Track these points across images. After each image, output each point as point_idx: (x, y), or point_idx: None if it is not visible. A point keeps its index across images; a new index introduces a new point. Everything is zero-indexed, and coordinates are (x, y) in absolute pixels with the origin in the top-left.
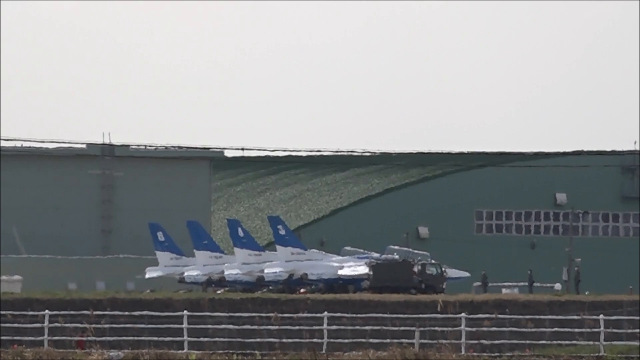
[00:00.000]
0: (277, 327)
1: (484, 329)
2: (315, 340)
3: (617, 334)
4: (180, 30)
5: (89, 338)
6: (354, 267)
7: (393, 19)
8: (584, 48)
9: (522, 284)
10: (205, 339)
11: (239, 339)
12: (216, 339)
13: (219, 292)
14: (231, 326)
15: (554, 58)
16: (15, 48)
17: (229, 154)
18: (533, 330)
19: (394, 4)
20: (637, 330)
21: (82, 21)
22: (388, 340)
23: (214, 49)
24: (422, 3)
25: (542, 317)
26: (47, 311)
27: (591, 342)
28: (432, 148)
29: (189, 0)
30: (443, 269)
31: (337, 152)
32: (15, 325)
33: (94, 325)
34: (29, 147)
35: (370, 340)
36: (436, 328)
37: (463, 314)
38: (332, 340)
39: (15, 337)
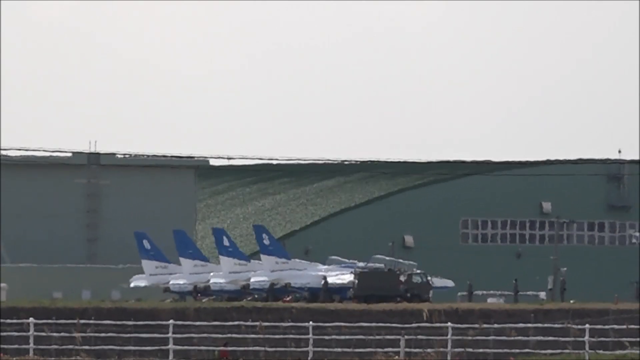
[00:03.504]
0: (262, 336)
1: (469, 338)
2: (300, 349)
3: (602, 342)
4: (165, 40)
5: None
6: (340, 276)
7: (378, 29)
8: (570, 59)
9: (507, 293)
10: (191, 348)
11: (224, 348)
12: (202, 347)
13: (204, 300)
14: (216, 335)
15: (540, 68)
16: (2, 56)
17: (214, 162)
18: (518, 339)
19: (380, 16)
20: (625, 339)
21: (68, 29)
22: (373, 350)
23: (199, 59)
24: (408, 14)
25: (527, 325)
26: (32, 320)
27: (576, 351)
28: (418, 157)
29: (173, 11)
30: (429, 278)
31: (322, 160)
32: (1, 333)
33: (79, 334)
34: (15, 156)
35: (356, 349)
36: (422, 337)
37: (449, 323)
38: (317, 349)
39: (1, 346)
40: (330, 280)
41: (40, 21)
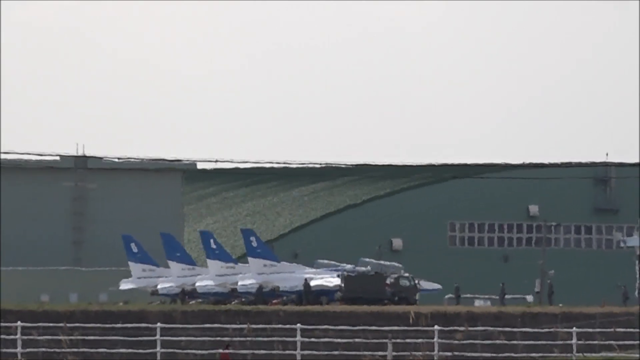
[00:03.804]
0: (250, 338)
1: (456, 341)
2: (288, 351)
3: (590, 346)
4: (152, 44)
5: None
6: (327, 279)
7: (366, 34)
8: (556, 62)
9: (494, 296)
10: (179, 351)
11: (211, 351)
12: (189, 351)
13: (192, 303)
14: (204, 338)
15: (528, 74)
16: None
17: (201, 165)
18: (505, 342)
19: (370, 21)
20: (613, 342)
21: (56, 31)
22: (361, 352)
23: (185, 63)
24: (397, 18)
25: (514, 329)
26: (19, 323)
27: (564, 354)
28: (405, 160)
29: (160, 15)
30: (416, 281)
31: (309, 164)
32: None
33: (67, 337)
34: (2, 159)
35: (343, 352)
36: (409, 340)
37: (436, 326)
38: (305, 351)
39: None
40: (318, 283)
41: (27, 23)
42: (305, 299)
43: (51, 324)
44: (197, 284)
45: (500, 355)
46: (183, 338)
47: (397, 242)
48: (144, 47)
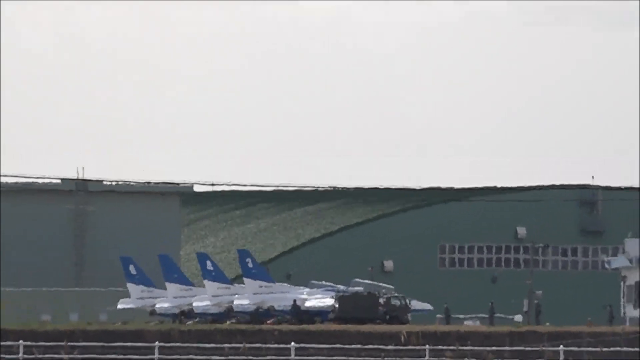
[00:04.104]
0: (245, 357)
1: (447, 359)
2: None
3: None
4: (149, 68)
5: None
6: (321, 299)
7: (355, 56)
8: (543, 84)
9: (484, 315)
10: None
11: None
12: None
13: (189, 323)
14: (201, 357)
15: (513, 97)
16: None
17: (198, 188)
18: None
19: (361, 40)
20: None
21: (54, 55)
22: None
23: (182, 87)
24: (388, 35)
25: (503, 348)
26: (21, 342)
27: None
28: (395, 184)
29: (157, 38)
30: (407, 301)
31: (303, 187)
32: None
33: (68, 356)
34: (4, 182)
35: None
36: (400, 358)
37: (427, 346)
38: None
39: None
40: (312, 303)
41: (26, 47)
42: (295, 318)
43: (52, 343)
44: (194, 304)
45: None
46: (181, 357)
47: (389, 264)
48: (139, 74)
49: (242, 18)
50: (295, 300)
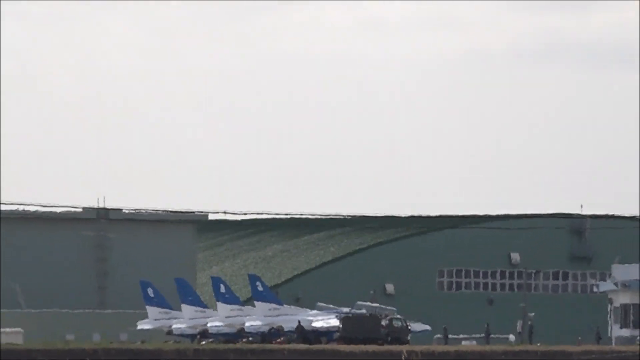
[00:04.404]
0: None
1: None
2: None
3: None
4: (165, 103)
5: None
6: (327, 321)
7: (356, 88)
8: (535, 118)
9: (479, 336)
10: None
11: None
12: None
13: (203, 342)
14: None
15: (507, 130)
16: (17, 116)
17: (212, 217)
18: None
19: (354, 73)
20: None
21: (80, 93)
22: None
23: (194, 122)
24: (383, 69)
25: None
26: None
27: None
28: (397, 212)
29: (172, 72)
30: (407, 323)
31: (310, 216)
32: None
33: None
34: (30, 210)
35: None
36: None
37: None
38: None
39: None
40: (318, 324)
41: (51, 80)
42: (299, 338)
43: None
44: (208, 325)
45: None
46: None
47: (390, 287)
48: (157, 108)
49: (254, 56)
50: (299, 322)
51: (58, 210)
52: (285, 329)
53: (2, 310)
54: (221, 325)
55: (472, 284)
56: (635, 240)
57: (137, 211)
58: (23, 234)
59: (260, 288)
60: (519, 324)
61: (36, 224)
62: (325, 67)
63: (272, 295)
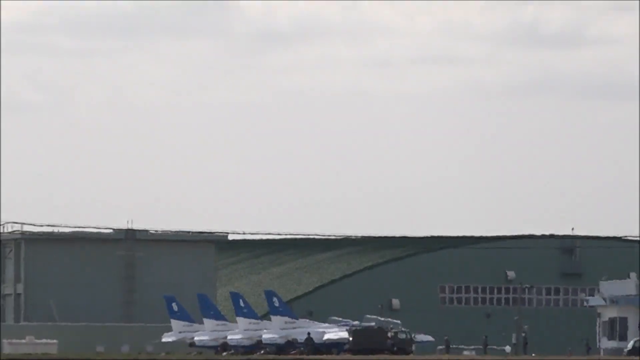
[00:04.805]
0: None
1: None
2: None
3: None
4: (188, 133)
5: None
6: (337, 333)
7: (363, 119)
8: (528, 147)
9: (478, 346)
10: None
11: None
12: None
13: (224, 354)
14: None
15: (503, 155)
16: (48, 142)
17: (231, 237)
18: None
19: (357, 97)
20: None
21: (109, 122)
22: None
23: (214, 151)
24: (386, 102)
25: None
26: None
27: None
28: (402, 233)
29: (191, 101)
30: (412, 335)
31: (323, 236)
32: None
33: None
34: (66, 232)
35: None
36: None
37: None
38: None
39: None
40: (330, 336)
41: (82, 112)
42: (309, 350)
43: None
44: (228, 337)
45: None
46: None
47: (396, 302)
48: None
49: (269, 88)
50: (309, 333)
51: (90, 231)
52: (300, 341)
53: (38, 323)
54: (240, 338)
55: (472, 299)
56: (621, 258)
57: (162, 232)
58: (59, 253)
59: (276, 303)
60: (514, 336)
61: (70, 245)
62: (335, 101)
63: (288, 309)
